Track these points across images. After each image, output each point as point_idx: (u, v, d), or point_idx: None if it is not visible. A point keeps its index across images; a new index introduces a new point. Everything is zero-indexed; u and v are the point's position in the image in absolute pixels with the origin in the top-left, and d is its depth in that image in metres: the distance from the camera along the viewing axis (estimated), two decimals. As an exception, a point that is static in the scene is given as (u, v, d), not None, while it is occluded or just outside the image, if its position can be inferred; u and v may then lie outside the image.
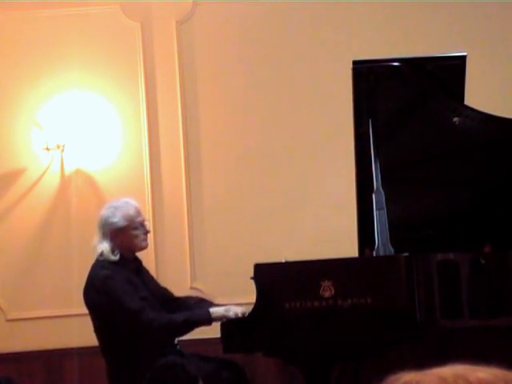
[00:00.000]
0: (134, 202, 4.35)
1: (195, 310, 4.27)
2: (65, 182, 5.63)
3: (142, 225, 4.28)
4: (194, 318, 4.13)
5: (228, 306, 4.10)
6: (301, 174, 5.64)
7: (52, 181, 5.63)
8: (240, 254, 5.45)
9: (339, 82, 5.07)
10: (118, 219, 4.20)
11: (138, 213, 4.31)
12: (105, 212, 4.26)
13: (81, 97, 5.65)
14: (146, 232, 4.30)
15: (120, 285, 4.12)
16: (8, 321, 5.61)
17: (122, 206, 4.28)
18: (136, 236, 4.24)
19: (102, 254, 4.18)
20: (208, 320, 4.07)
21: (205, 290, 5.58)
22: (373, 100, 4.00)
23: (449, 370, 1.04)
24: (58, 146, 5.58)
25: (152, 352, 4.13)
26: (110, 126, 5.68)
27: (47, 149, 5.58)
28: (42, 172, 5.63)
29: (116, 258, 4.17)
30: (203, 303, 4.42)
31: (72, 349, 5.45)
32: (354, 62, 3.96)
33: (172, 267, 5.53)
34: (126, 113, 5.69)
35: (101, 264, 4.19)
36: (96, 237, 4.25)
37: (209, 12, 5.75)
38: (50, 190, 5.64)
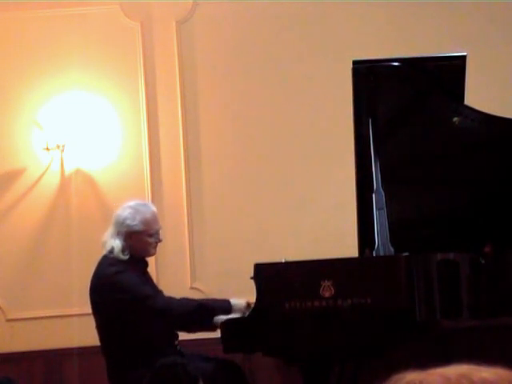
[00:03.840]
0: (153, 207, 4.37)
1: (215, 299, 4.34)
2: (65, 181, 5.63)
3: (157, 233, 4.30)
4: (214, 304, 4.16)
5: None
6: (301, 174, 5.64)
7: (52, 181, 5.63)
8: (240, 254, 5.45)
9: (339, 82, 5.07)
10: (136, 223, 4.21)
11: (156, 220, 4.32)
12: (124, 212, 4.26)
13: (81, 97, 5.65)
14: (159, 241, 4.32)
15: (131, 276, 4.15)
16: (8, 321, 5.61)
17: (142, 209, 4.28)
18: (149, 243, 4.26)
19: (111, 251, 4.19)
20: (228, 309, 4.09)
21: (205, 290, 5.58)
22: (373, 100, 4.01)
23: (453, 370, 1.03)
24: (58, 146, 5.58)
25: (153, 352, 4.14)
26: (110, 126, 5.68)
27: (47, 149, 5.58)
28: (42, 172, 5.63)
29: (125, 257, 4.18)
30: None
31: (72, 349, 5.44)
32: (354, 62, 3.96)
33: (172, 267, 5.53)
34: (126, 113, 5.69)
35: (109, 261, 4.21)
36: (108, 232, 4.26)
37: (209, 12, 5.74)
38: (49, 189, 5.64)
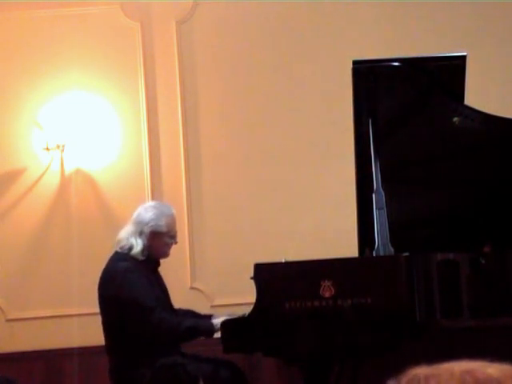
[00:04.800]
0: (173, 209, 4.42)
1: (200, 319, 4.31)
2: (65, 181, 5.63)
3: (176, 234, 4.36)
4: (199, 327, 4.15)
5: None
6: (301, 174, 5.64)
7: (52, 181, 5.63)
8: (240, 253, 5.45)
9: (339, 82, 5.07)
10: (162, 223, 4.26)
11: (176, 222, 4.40)
12: (148, 212, 4.29)
13: (81, 97, 5.65)
14: (175, 243, 4.36)
15: (139, 278, 4.16)
16: (8, 321, 5.61)
17: (165, 210, 4.34)
18: (167, 244, 4.31)
19: (129, 249, 4.20)
20: (211, 331, 4.09)
21: (205, 290, 5.58)
22: (373, 100, 4.00)
23: (458, 366, 1.04)
24: (58, 146, 5.58)
25: (155, 351, 4.14)
26: (110, 126, 5.68)
27: (47, 149, 5.59)
28: (42, 172, 5.63)
29: (143, 257, 4.21)
30: (192, 314, 4.46)
31: (72, 349, 5.45)
32: (354, 62, 3.95)
33: (172, 267, 5.53)
34: (126, 113, 5.69)
35: (121, 257, 4.23)
36: (126, 231, 4.28)
37: (209, 12, 5.75)
38: (50, 189, 5.64)
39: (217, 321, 4.12)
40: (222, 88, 5.73)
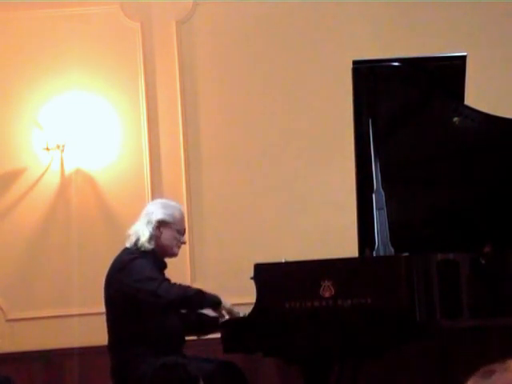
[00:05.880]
0: (182, 207, 4.52)
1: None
2: (65, 181, 5.64)
3: (183, 231, 4.38)
4: (207, 293, 4.18)
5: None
6: (301, 174, 5.64)
7: (52, 181, 5.64)
8: (240, 253, 5.45)
9: (339, 82, 5.07)
10: (168, 213, 4.29)
11: (184, 220, 4.45)
12: (155, 205, 4.38)
13: (81, 97, 5.65)
14: (183, 242, 4.38)
15: (146, 264, 4.17)
16: (8, 321, 5.62)
17: (173, 205, 4.40)
18: (175, 238, 4.32)
19: (136, 243, 4.22)
20: (218, 301, 4.11)
21: (205, 290, 5.58)
22: (373, 100, 4.00)
23: None
24: (58, 146, 5.59)
25: (156, 351, 4.14)
26: (110, 126, 5.68)
27: (47, 149, 5.59)
28: (42, 172, 5.63)
29: (151, 246, 4.22)
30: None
31: (72, 349, 5.45)
32: (354, 62, 3.95)
33: (172, 267, 5.53)
34: (126, 113, 5.70)
35: (129, 251, 4.26)
36: (135, 226, 4.30)
37: (209, 12, 5.75)
38: (50, 189, 5.64)
39: (224, 302, 4.16)
40: (221, 88, 5.73)
